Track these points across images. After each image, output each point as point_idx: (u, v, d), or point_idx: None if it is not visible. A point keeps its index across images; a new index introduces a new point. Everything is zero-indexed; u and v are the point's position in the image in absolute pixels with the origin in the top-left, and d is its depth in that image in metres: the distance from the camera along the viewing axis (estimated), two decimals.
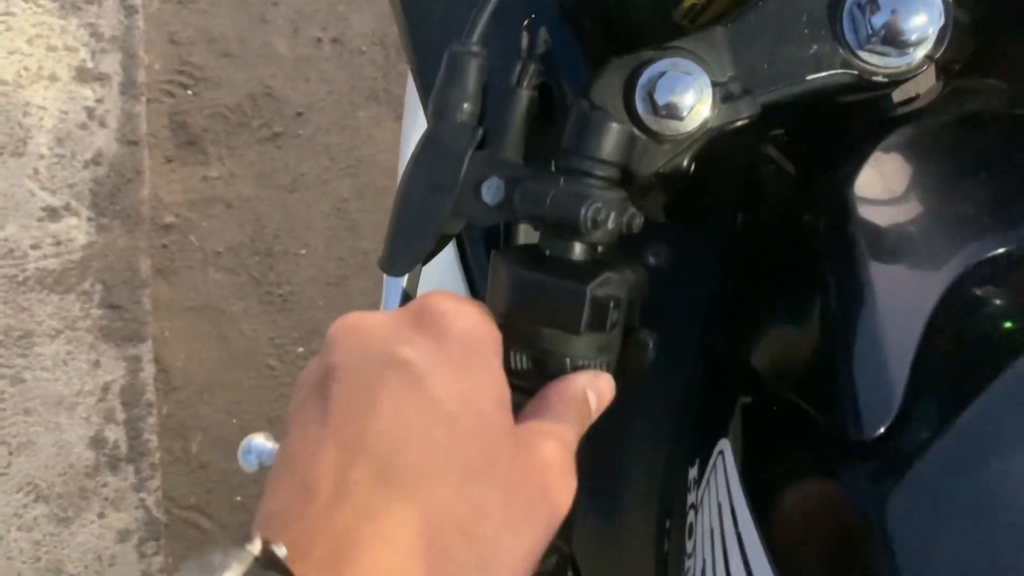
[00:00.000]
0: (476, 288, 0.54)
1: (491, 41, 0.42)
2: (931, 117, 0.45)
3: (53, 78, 1.56)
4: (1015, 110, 0.46)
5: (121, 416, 1.43)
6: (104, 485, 1.40)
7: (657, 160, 0.43)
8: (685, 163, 0.45)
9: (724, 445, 0.40)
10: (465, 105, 0.41)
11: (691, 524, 0.42)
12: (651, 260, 0.54)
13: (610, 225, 0.39)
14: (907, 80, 0.46)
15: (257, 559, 0.27)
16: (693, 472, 0.43)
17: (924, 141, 0.43)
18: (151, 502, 1.40)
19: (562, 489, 0.34)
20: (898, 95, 0.51)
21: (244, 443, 0.50)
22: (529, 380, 0.39)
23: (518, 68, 0.41)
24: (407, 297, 0.47)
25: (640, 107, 0.42)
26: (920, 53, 0.44)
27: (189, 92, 1.62)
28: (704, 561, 0.39)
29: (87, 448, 1.41)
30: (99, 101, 1.56)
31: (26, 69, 1.55)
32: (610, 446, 0.51)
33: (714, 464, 0.41)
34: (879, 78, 0.44)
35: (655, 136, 0.42)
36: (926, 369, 0.35)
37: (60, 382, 1.42)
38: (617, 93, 0.42)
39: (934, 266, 0.38)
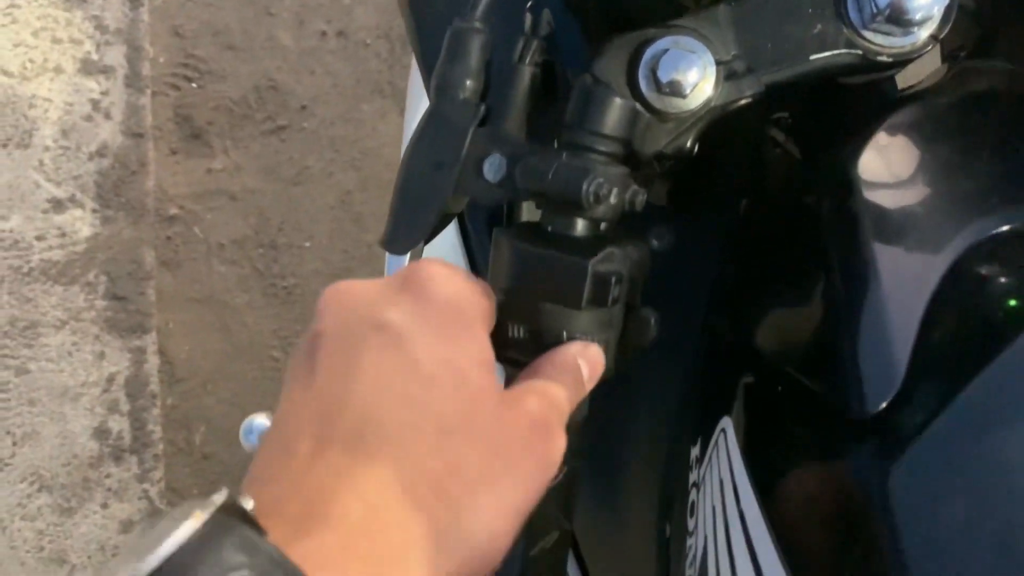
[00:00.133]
0: (478, 269, 0.54)
1: (495, 20, 0.42)
2: (936, 97, 0.45)
3: (58, 70, 1.56)
4: (1021, 90, 0.46)
5: (125, 407, 1.44)
6: (108, 476, 1.40)
7: (660, 139, 0.43)
8: (688, 143, 0.45)
9: (726, 423, 0.40)
10: (468, 82, 0.41)
11: (693, 502, 0.42)
12: (654, 243, 0.54)
13: (612, 200, 0.38)
14: (911, 60, 0.46)
15: (219, 508, 0.26)
16: (695, 451, 0.43)
17: (929, 120, 0.43)
18: (154, 493, 1.41)
19: (546, 444, 0.34)
20: (902, 81, 0.51)
21: (246, 423, 0.50)
22: (529, 356, 0.39)
23: (521, 44, 0.41)
24: None
25: (643, 85, 0.42)
26: (924, 33, 0.44)
27: (194, 85, 1.62)
28: (706, 538, 0.39)
29: (91, 439, 1.42)
30: (104, 93, 1.56)
31: (31, 61, 1.55)
32: (612, 427, 0.51)
33: (716, 442, 0.41)
34: (883, 58, 0.44)
35: (658, 114, 0.42)
36: (929, 345, 0.35)
37: (65, 373, 1.43)
38: (620, 71, 0.42)
39: (938, 243, 0.38)
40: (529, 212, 0.46)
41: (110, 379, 1.44)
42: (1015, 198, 0.39)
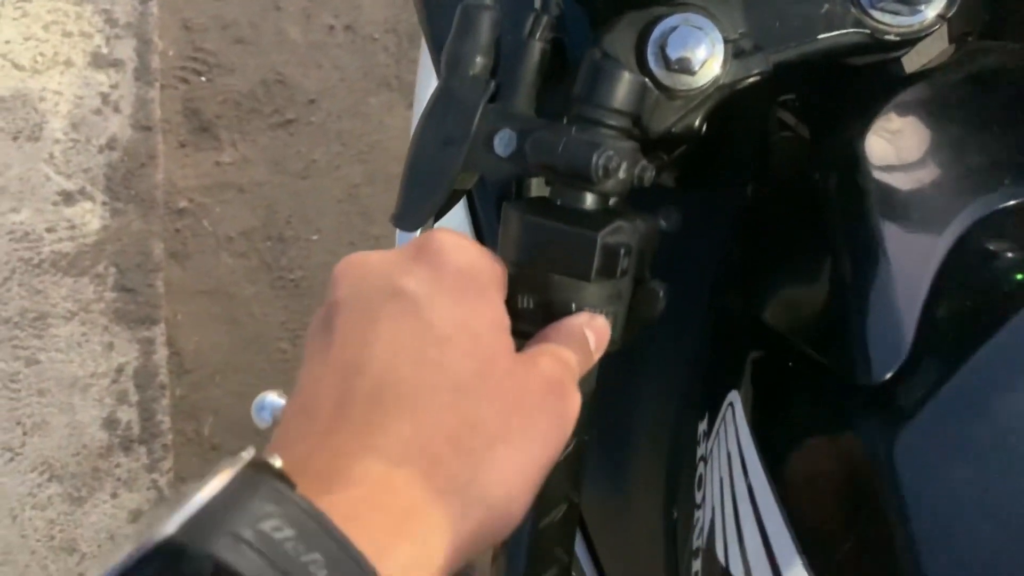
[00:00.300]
0: (487, 247, 0.55)
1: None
2: (942, 75, 0.45)
3: (68, 64, 1.57)
4: None
5: (134, 398, 1.44)
6: (117, 466, 1.41)
7: (669, 116, 0.44)
8: (697, 122, 0.45)
9: (734, 397, 0.41)
10: (478, 58, 0.41)
11: (700, 476, 0.42)
12: (663, 224, 0.54)
13: (621, 175, 0.39)
14: (919, 40, 0.46)
15: (248, 464, 0.27)
16: (703, 426, 0.44)
17: (935, 97, 0.44)
18: (163, 483, 1.41)
19: (562, 402, 0.34)
20: (910, 65, 0.51)
21: (257, 400, 0.51)
22: (538, 328, 0.39)
23: (531, 20, 0.42)
24: None
25: (652, 62, 0.42)
26: (932, 12, 0.44)
27: (203, 78, 1.63)
28: (713, 510, 0.39)
29: (100, 429, 1.42)
30: (114, 87, 1.57)
31: (42, 55, 1.56)
32: (620, 402, 0.51)
33: (723, 416, 0.41)
34: (891, 37, 0.44)
35: (667, 91, 0.43)
36: (935, 316, 0.35)
37: (74, 364, 1.44)
38: (629, 48, 0.43)
39: (944, 217, 0.38)
40: (538, 189, 0.47)
41: (119, 370, 1.45)
42: (1021, 173, 0.40)
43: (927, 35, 0.45)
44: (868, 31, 0.44)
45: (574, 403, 0.35)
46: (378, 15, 1.68)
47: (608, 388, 0.42)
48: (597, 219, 0.39)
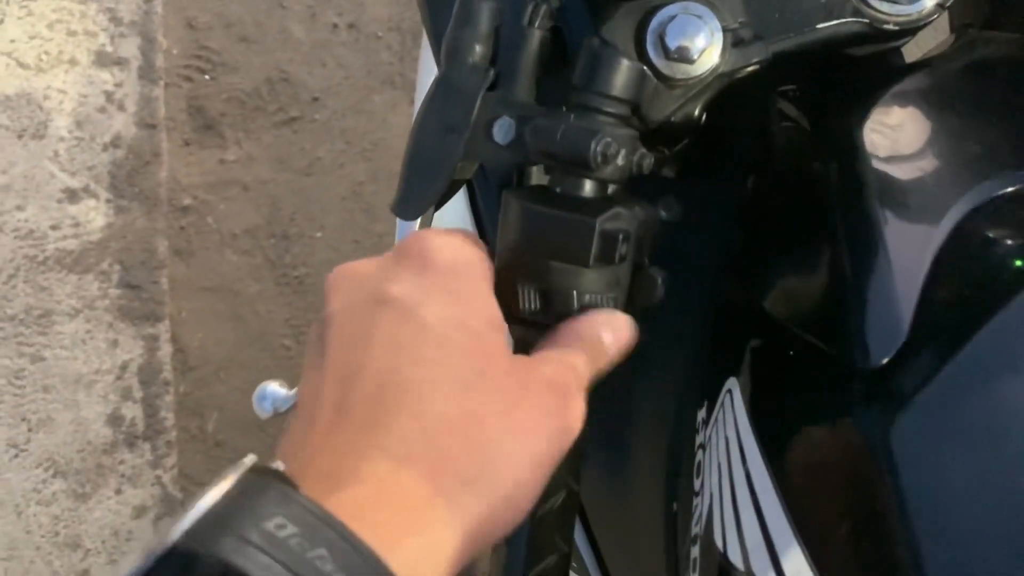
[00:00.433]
0: (486, 237, 0.55)
1: None
2: (942, 64, 0.45)
3: (73, 62, 1.57)
4: None
5: (138, 394, 1.45)
6: (121, 462, 1.42)
7: (668, 105, 0.44)
8: (696, 112, 0.45)
9: (732, 384, 0.41)
10: (477, 47, 0.41)
11: (699, 463, 0.42)
12: (663, 214, 0.54)
13: (620, 161, 0.39)
14: (919, 29, 0.46)
15: (250, 469, 0.27)
16: (701, 413, 0.44)
17: (935, 85, 0.44)
18: (167, 479, 1.42)
19: (565, 403, 0.34)
20: (910, 56, 0.51)
21: (259, 389, 0.51)
22: (539, 317, 0.39)
23: (530, 8, 0.42)
24: None
25: (651, 50, 0.43)
26: (931, 1, 0.44)
27: (207, 76, 1.63)
28: (712, 496, 0.39)
29: (105, 425, 1.43)
30: (118, 85, 1.58)
31: (47, 53, 1.57)
32: (619, 391, 0.51)
33: (722, 403, 0.41)
34: (890, 26, 0.45)
35: (666, 80, 0.43)
36: (933, 301, 0.35)
37: (79, 360, 1.44)
38: (628, 36, 0.43)
39: (943, 204, 0.38)
40: (539, 178, 0.47)
41: (123, 367, 1.46)
42: (1020, 161, 0.40)
43: (926, 24, 0.45)
44: (867, 20, 0.44)
45: (577, 408, 0.35)
46: (382, 13, 1.68)
47: (607, 376, 0.42)
48: (596, 206, 0.39)
